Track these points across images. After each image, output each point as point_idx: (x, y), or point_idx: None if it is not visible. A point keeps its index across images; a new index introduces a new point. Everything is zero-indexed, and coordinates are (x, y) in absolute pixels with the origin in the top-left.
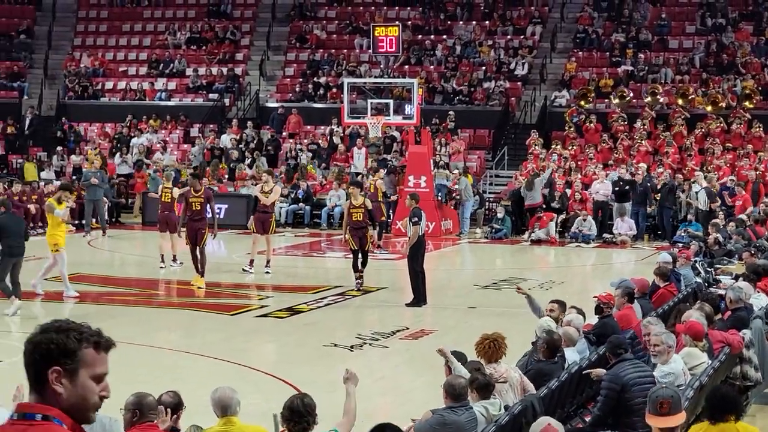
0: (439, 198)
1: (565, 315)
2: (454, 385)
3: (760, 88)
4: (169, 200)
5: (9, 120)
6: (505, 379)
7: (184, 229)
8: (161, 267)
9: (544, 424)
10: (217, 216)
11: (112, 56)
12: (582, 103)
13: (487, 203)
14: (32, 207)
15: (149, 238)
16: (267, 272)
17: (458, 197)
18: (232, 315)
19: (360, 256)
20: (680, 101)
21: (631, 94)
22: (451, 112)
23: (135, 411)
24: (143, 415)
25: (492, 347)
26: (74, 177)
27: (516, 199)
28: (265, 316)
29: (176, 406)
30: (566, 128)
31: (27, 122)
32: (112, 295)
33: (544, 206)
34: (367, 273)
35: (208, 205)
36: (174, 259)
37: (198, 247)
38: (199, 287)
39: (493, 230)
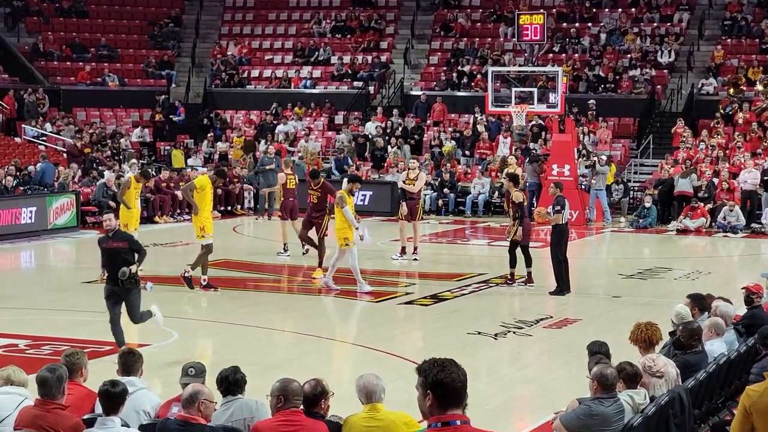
0: (583, 187)
1: (698, 310)
2: (607, 375)
3: None
4: (294, 187)
5: (158, 108)
6: (662, 374)
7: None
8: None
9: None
10: (361, 203)
11: (258, 45)
12: (732, 91)
13: (631, 192)
14: (179, 193)
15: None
16: (415, 259)
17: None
18: (377, 302)
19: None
20: None
21: None
22: (591, 101)
23: (280, 397)
24: (287, 400)
25: (647, 332)
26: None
27: (667, 189)
28: (409, 303)
29: (320, 394)
30: (716, 117)
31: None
32: (258, 281)
33: (693, 197)
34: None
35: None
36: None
37: (318, 237)
38: (315, 278)
39: (639, 219)
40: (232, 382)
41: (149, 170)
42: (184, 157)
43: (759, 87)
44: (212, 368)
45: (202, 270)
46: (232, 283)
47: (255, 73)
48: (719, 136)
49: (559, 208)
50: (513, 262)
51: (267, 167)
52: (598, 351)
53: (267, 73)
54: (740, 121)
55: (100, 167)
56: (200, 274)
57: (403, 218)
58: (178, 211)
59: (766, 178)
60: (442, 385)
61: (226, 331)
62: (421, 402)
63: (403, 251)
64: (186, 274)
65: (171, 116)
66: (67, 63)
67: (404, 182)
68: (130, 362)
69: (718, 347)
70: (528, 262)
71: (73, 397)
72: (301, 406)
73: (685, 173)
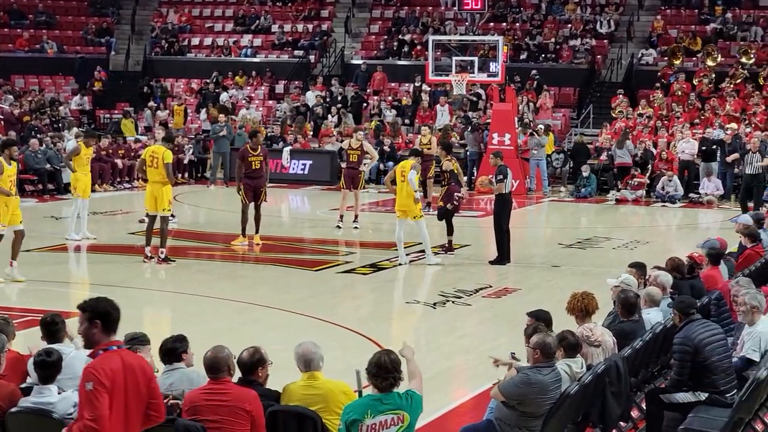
0: (524, 156)
1: (643, 278)
2: (546, 343)
3: None
4: (356, 159)
5: (96, 75)
6: (600, 342)
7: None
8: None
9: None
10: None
11: (198, 12)
12: (674, 61)
13: (570, 162)
14: (120, 162)
15: (230, 194)
16: (355, 227)
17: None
18: (316, 271)
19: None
20: None
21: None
22: (532, 71)
23: (208, 366)
24: (214, 370)
25: (583, 302)
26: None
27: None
28: (348, 272)
29: (257, 362)
30: (656, 87)
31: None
32: (199, 250)
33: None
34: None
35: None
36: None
37: (256, 205)
38: (257, 243)
39: (578, 189)
40: (172, 351)
41: (94, 131)
42: (134, 127)
43: (708, 61)
44: (152, 337)
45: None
46: (173, 252)
47: (195, 41)
48: (659, 106)
49: (501, 177)
50: (450, 230)
51: (219, 134)
52: (538, 318)
53: (208, 41)
54: (679, 92)
55: (38, 135)
56: (147, 245)
57: (344, 187)
58: (118, 179)
59: (704, 148)
60: (106, 315)
61: (166, 299)
62: (88, 333)
63: (341, 219)
64: (162, 255)
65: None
66: (5, 30)
67: (347, 151)
68: (54, 330)
69: (654, 316)
70: (449, 230)
71: (7, 364)
72: (228, 375)
73: (621, 142)
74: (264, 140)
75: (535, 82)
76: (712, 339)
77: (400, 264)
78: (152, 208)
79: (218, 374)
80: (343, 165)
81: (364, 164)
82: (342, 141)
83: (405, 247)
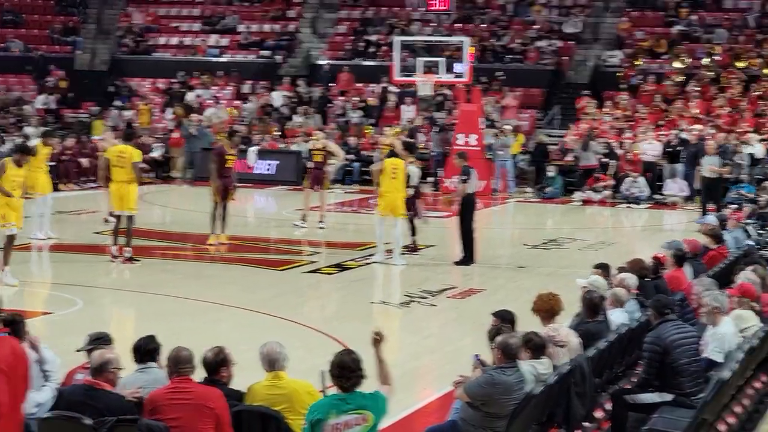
0: (489, 156)
1: (608, 279)
2: (510, 344)
3: None
4: (321, 159)
5: (62, 74)
6: (565, 343)
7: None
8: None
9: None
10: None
11: (164, 12)
12: (635, 62)
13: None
14: (85, 161)
15: (199, 193)
16: (321, 227)
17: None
18: (281, 270)
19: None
20: (736, 63)
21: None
22: (498, 72)
23: (170, 366)
24: (176, 368)
25: (549, 302)
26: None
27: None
28: (314, 272)
29: (221, 362)
30: (620, 88)
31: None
32: (164, 249)
33: (598, 168)
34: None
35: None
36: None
37: (225, 204)
38: (223, 243)
39: (543, 189)
40: (146, 351)
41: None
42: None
43: (676, 63)
44: (117, 337)
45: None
46: (138, 252)
47: (162, 40)
48: (624, 107)
49: (465, 177)
50: (413, 231)
51: (190, 132)
52: (503, 318)
53: (174, 40)
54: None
55: (2, 134)
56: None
57: (309, 187)
58: (83, 179)
59: (669, 149)
60: None
61: (131, 299)
62: None
63: (304, 219)
64: (127, 254)
65: (41, 80)
66: None
67: (310, 151)
68: (15, 329)
69: (618, 317)
70: (413, 231)
71: None
72: (192, 374)
73: (585, 144)
74: None
75: (501, 83)
76: (683, 341)
77: (375, 262)
78: (118, 208)
79: (184, 368)
80: (310, 165)
81: (331, 164)
82: (308, 141)
83: (367, 248)
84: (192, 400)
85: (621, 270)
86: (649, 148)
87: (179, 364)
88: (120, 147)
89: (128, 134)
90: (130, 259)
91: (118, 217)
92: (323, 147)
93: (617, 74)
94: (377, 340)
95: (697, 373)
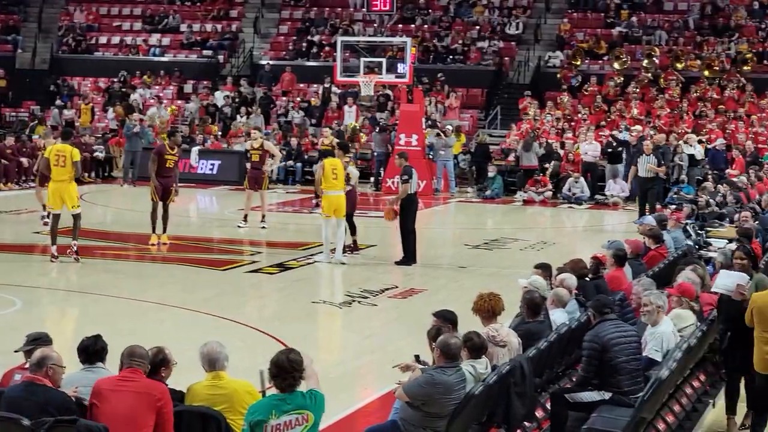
0: (431, 156)
1: (549, 279)
2: (450, 345)
3: (754, 52)
4: (259, 159)
5: (2, 73)
6: (505, 343)
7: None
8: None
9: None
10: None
11: (106, 11)
12: (574, 62)
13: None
14: (25, 160)
15: (140, 193)
16: (263, 227)
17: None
18: (223, 270)
19: None
20: (676, 64)
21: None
22: (440, 74)
23: (125, 360)
24: (128, 360)
25: (490, 302)
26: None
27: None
28: (255, 271)
29: (160, 362)
30: (561, 88)
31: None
32: (105, 249)
33: (539, 169)
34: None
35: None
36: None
37: (165, 204)
38: (164, 243)
39: (484, 190)
40: (94, 352)
41: None
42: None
43: (615, 64)
44: (56, 337)
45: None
46: (79, 252)
47: (103, 39)
48: (565, 107)
49: (406, 177)
50: (353, 230)
51: (133, 131)
52: (444, 318)
53: (115, 40)
54: (585, 92)
55: None
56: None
57: (249, 187)
58: (23, 178)
59: (609, 150)
60: None
61: (71, 299)
62: None
63: (246, 219)
64: (74, 248)
65: None
66: None
67: (248, 151)
68: None
69: (559, 317)
70: (353, 230)
71: None
72: (144, 370)
73: (527, 144)
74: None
75: (443, 84)
76: (621, 339)
77: (319, 261)
78: (57, 207)
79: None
80: (248, 165)
81: (269, 164)
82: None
83: (309, 248)
84: (137, 389)
85: (561, 270)
86: (590, 148)
87: (133, 356)
88: (59, 146)
89: (66, 133)
90: (77, 253)
91: (57, 216)
92: (260, 146)
93: (557, 75)
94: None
95: (636, 371)
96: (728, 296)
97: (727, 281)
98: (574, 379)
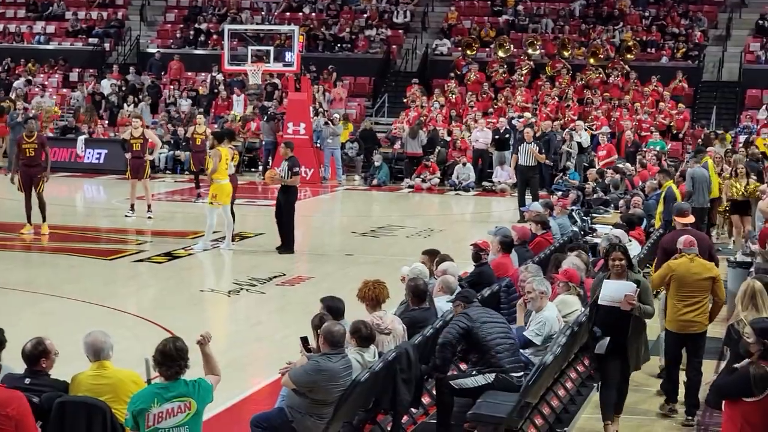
0: (318, 145)
1: (437, 265)
2: (333, 332)
3: (638, 40)
4: (140, 148)
5: None
6: (390, 330)
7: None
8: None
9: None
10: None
11: None
12: (468, 52)
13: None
14: None
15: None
16: (149, 217)
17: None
18: (110, 260)
19: None
20: (563, 52)
21: (511, 45)
22: (330, 65)
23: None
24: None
25: (374, 290)
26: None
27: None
28: (143, 260)
29: (41, 353)
30: (450, 76)
31: None
32: None
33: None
34: (245, 218)
35: (43, 151)
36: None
37: (36, 193)
38: (44, 233)
39: (370, 177)
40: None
41: None
42: None
43: (499, 52)
44: None
45: None
46: None
47: None
48: (453, 96)
49: (297, 170)
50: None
51: (17, 121)
52: (331, 305)
53: None
54: (471, 80)
55: None
56: None
57: (130, 177)
58: None
59: (497, 137)
60: None
61: None
62: None
63: (132, 208)
64: None
65: None
66: None
67: (127, 139)
68: None
69: (445, 304)
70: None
71: None
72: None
73: (413, 132)
74: (57, 129)
75: (331, 72)
76: (489, 320)
77: (204, 250)
78: None
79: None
80: (128, 155)
81: (149, 152)
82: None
83: (197, 237)
84: None
85: (443, 259)
86: (481, 135)
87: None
88: None
89: None
90: None
91: None
92: (140, 135)
93: (452, 63)
94: (202, 343)
95: (512, 349)
96: (608, 306)
97: (614, 293)
98: (462, 366)
